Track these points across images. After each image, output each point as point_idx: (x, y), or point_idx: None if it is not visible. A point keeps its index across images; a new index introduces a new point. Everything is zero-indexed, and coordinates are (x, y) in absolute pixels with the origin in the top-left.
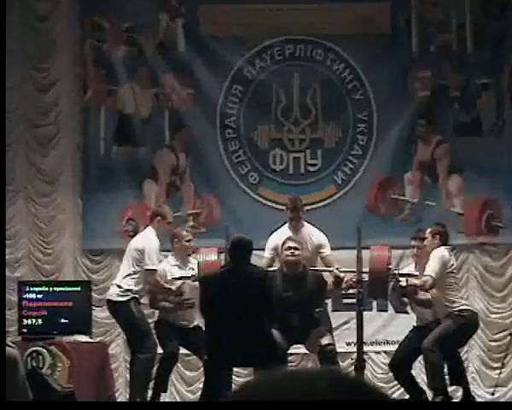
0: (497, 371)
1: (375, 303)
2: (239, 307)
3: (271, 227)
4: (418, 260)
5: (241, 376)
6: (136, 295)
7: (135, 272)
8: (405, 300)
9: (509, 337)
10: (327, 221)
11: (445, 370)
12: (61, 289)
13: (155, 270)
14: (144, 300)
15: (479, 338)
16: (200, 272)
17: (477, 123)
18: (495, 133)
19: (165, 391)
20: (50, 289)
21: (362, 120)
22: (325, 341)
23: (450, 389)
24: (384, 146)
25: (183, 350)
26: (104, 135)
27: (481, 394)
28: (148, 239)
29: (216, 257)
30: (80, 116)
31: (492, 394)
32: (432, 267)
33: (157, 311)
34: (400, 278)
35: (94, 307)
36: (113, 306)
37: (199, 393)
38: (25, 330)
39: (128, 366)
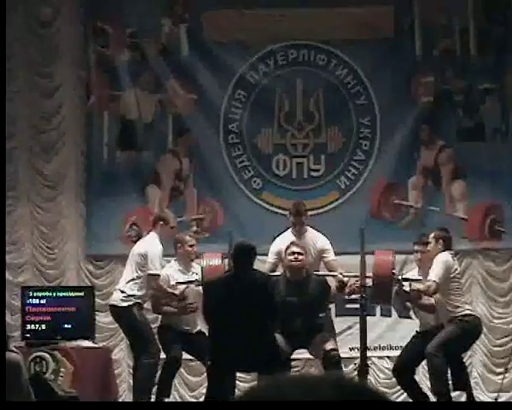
0: (501, 377)
1: (378, 308)
2: (242, 312)
3: (274, 232)
4: (421, 265)
5: (244, 381)
6: (140, 301)
7: (138, 277)
8: (409, 304)
9: None
10: (330, 226)
11: (449, 375)
12: (64, 294)
13: (158, 275)
14: (147, 305)
15: (482, 343)
16: (203, 276)
17: (480, 128)
18: (498, 138)
19: (169, 396)
20: (54, 294)
21: (365, 125)
22: (329, 346)
23: (453, 394)
24: (387, 151)
25: (186, 355)
26: (107, 140)
27: (485, 399)
28: (151, 244)
29: (219, 262)
30: (83, 121)
31: (496, 399)
32: (435, 272)
33: (160, 316)
34: (404, 283)
35: (97, 313)
36: (117, 311)
37: (202, 398)
38: (28, 336)
39: (131, 371)
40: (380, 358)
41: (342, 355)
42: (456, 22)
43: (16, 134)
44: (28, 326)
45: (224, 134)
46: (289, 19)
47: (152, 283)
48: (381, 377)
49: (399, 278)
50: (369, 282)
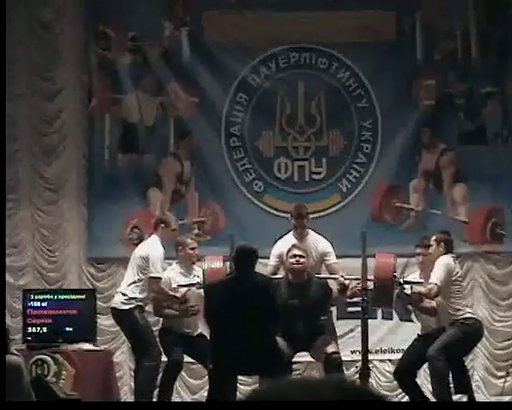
0: (502, 380)
1: (379, 311)
2: (244, 315)
3: (276, 235)
4: (423, 268)
5: (246, 384)
6: (141, 303)
7: (139, 280)
8: (410, 307)
9: None
10: (331, 229)
11: (450, 378)
12: (65, 297)
13: (160, 278)
14: (149, 308)
15: (483, 347)
16: (205, 279)
17: (482, 131)
18: (500, 142)
19: (170, 399)
20: (55, 297)
21: (366, 128)
22: (330, 349)
23: (454, 397)
24: (389, 154)
25: (187, 358)
26: (109, 143)
27: None
28: (152, 247)
29: (221, 264)
30: (85, 124)
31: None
32: (437, 275)
33: (161, 319)
34: (405, 286)
35: (99, 315)
36: (118, 314)
37: (203, 401)
38: (29, 339)
39: (133, 373)
40: (381, 361)
41: (344, 358)
42: (457, 26)
43: (18, 137)
44: (29, 329)
45: (225, 137)
46: (291, 22)
47: (153, 286)
48: (382, 380)
49: (401, 281)
50: (370, 285)
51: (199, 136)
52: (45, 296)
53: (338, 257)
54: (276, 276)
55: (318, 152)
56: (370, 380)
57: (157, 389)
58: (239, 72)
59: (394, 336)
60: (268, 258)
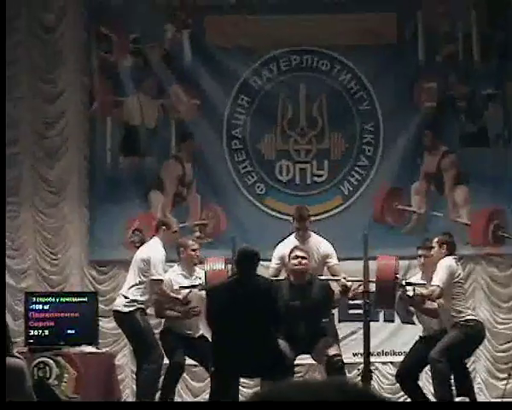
0: (504, 382)
1: (381, 314)
2: (246, 317)
3: (277, 238)
4: (425, 270)
5: (247, 386)
6: (143, 306)
7: (141, 283)
8: (412, 309)
9: None
10: (333, 232)
11: (452, 380)
12: (67, 299)
13: (161, 280)
14: (150, 310)
15: (485, 349)
16: (207, 281)
17: (483, 133)
18: (501, 144)
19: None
20: (57, 299)
21: (368, 131)
22: (332, 351)
23: (456, 399)
24: (390, 157)
25: (189, 361)
26: (110, 145)
27: None
28: (153, 249)
29: (223, 266)
30: (87, 127)
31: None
32: (439, 277)
33: (163, 321)
34: (407, 288)
35: (100, 318)
36: (120, 316)
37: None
38: (31, 341)
39: (134, 376)
40: (383, 363)
41: (345, 361)
42: (459, 28)
43: (19, 139)
44: (31, 332)
45: (227, 139)
46: (292, 24)
47: (155, 288)
48: (384, 382)
49: (403, 282)
50: (372, 287)
51: (200, 138)
52: (47, 299)
53: (340, 259)
54: (278, 278)
55: (320, 155)
56: (372, 382)
57: (159, 392)
58: (240, 74)
59: (396, 338)
60: (269, 260)
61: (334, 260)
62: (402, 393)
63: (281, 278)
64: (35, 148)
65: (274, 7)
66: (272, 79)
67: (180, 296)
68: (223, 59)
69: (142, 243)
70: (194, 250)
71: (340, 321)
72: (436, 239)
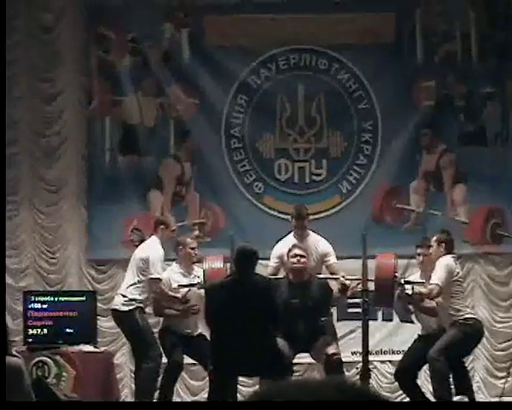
0: (503, 381)
1: (380, 313)
2: (244, 316)
3: (276, 237)
4: (423, 268)
5: (246, 385)
6: (141, 305)
7: (139, 282)
8: (410, 307)
9: None
10: (332, 231)
11: (451, 379)
12: (66, 298)
13: (160, 279)
14: (149, 309)
15: (484, 348)
16: (205, 279)
17: (482, 133)
18: (500, 143)
19: (171, 401)
20: (55, 298)
21: (367, 130)
22: (331, 350)
23: (455, 398)
24: (389, 156)
25: (188, 360)
26: (109, 145)
27: None
28: (152, 248)
29: (221, 265)
30: (85, 126)
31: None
32: (438, 275)
33: (161, 320)
34: (406, 286)
35: (99, 317)
36: (118, 315)
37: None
38: (30, 340)
39: (133, 375)
40: (382, 362)
41: (344, 360)
42: (457, 27)
43: (18, 139)
44: (30, 331)
45: (225, 139)
46: (291, 23)
47: (153, 287)
48: (383, 381)
49: (402, 281)
50: (371, 286)
51: (199, 137)
52: (46, 298)
53: (338, 258)
54: (277, 276)
55: (318, 153)
56: (371, 381)
57: (157, 391)
58: (239, 73)
59: (395, 337)
60: (268, 259)
61: (332, 259)
62: (400, 392)
63: (280, 276)
64: (34, 147)
65: (272, 6)
66: (271, 78)
67: (179, 295)
68: (221, 58)
69: (142, 241)
70: (192, 248)
71: (338, 320)
72: (435, 238)
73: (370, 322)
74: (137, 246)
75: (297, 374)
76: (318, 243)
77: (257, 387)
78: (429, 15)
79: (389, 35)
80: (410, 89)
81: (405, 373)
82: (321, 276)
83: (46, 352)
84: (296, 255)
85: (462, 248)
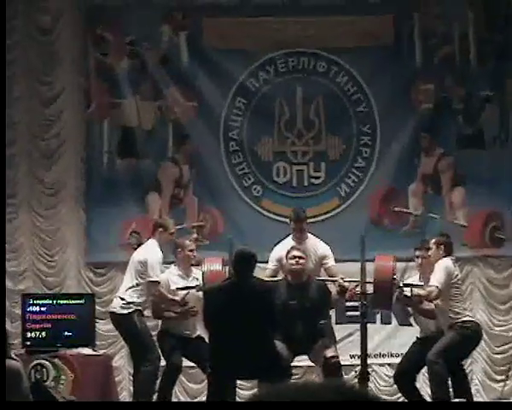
0: (501, 384)
1: (378, 316)
2: (243, 319)
3: (274, 240)
4: (422, 271)
5: (244, 388)
6: (140, 308)
7: (138, 285)
8: (409, 309)
9: None
10: (330, 234)
11: (449, 382)
12: (64, 301)
13: (158, 282)
14: (148, 312)
15: (483, 351)
16: (204, 281)
17: (480, 135)
18: (498, 146)
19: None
20: (54, 301)
21: (365, 133)
22: (329, 353)
23: (454, 401)
24: (387, 158)
25: (186, 362)
26: (107, 148)
27: None
28: (150, 251)
29: (220, 267)
30: (83, 129)
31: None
32: (437, 278)
33: (160, 323)
34: (405, 288)
35: (98, 320)
36: (116, 318)
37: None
38: (28, 343)
39: (132, 378)
40: (380, 365)
41: (343, 363)
42: (455, 30)
43: (16, 141)
44: (28, 334)
45: (224, 141)
46: (289, 26)
47: (152, 290)
48: (381, 384)
49: (400, 283)
50: (369, 289)
51: (197, 140)
52: (44, 301)
53: (337, 261)
54: (276, 278)
55: (317, 156)
56: (369, 384)
57: (156, 394)
58: (237, 76)
59: (393, 340)
60: (267, 262)
61: (331, 262)
62: (399, 394)
63: (278, 278)
64: (32, 150)
65: (271, 9)
66: (269, 80)
67: (177, 298)
68: (220, 61)
69: (140, 244)
70: (191, 251)
71: (337, 323)
72: (434, 240)
73: (369, 325)
74: (136, 249)
75: (296, 377)
76: (317, 246)
77: (255, 390)
78: (428, 18)
79: (388, 38)
80: (409, 91)
81: (404, 376)
82: (319, 278)
83: (44, 355)
84: (295, 257)
85: (460, 252)
